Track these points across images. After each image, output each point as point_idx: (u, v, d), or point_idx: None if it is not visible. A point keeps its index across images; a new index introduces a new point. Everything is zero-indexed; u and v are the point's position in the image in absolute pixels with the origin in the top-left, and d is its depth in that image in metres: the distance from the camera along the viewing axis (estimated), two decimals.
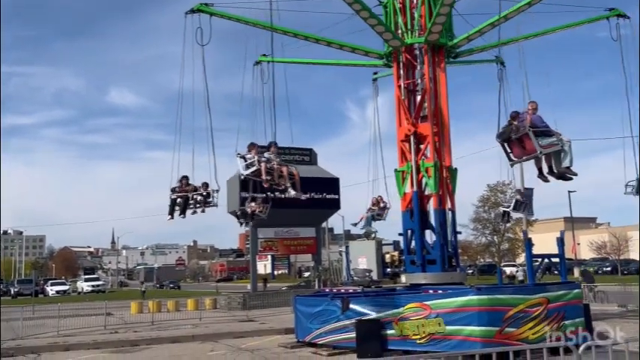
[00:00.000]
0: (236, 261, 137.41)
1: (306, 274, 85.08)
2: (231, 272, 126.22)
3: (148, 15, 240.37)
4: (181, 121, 15.60)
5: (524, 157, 12.02)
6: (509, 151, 12.17)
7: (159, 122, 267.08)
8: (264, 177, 12.88)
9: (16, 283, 62.13)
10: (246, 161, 13.10)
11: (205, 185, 15.37)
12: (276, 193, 32.71)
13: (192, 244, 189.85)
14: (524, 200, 18.69)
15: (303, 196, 15.64)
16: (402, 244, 16.69)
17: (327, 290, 19.12)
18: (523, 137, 11.70)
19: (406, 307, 13.52)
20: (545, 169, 12.03)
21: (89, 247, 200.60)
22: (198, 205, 15.22)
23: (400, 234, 16.11)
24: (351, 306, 14.46)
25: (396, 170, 16.22)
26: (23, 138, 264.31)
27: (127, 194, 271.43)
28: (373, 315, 14.00)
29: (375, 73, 19.74)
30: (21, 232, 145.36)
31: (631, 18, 16.79)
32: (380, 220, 20.07)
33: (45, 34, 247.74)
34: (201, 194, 15.12)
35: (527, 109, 11.89)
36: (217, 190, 15.29)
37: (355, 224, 22.12)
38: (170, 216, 15.12)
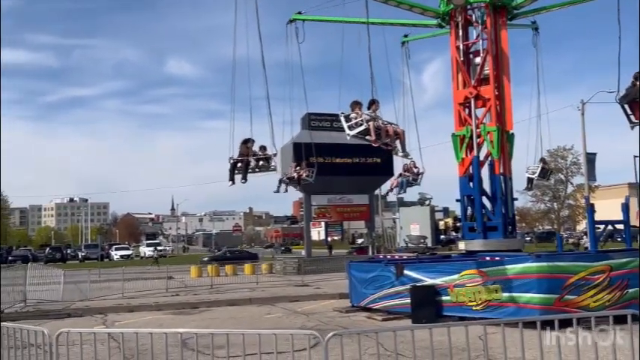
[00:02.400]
0: (290, 227, 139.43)
1: (360, 241, 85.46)
2: (286, 238, 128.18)
3: None
4: (235, 90, 15.66)
5: None
6: (629, 113, 11.69)
7: (215, 91, 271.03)
8: (372, 137, 12.70)
9: (83, 248, 65.11)
10: (349, 121, 12.85)
11: (263, 148, 15.40)
12: (327, 159, 33.70)
13: (248, 210, 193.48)
14: (549, 168, 17.93)
15: (408, 159, 15.38)
16: (459, 211, 16.33)
17: (380, 256, 19.06)
18: None
19: (462, 273, 13.36)
20: None
21: (150, 213, 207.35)
22: (257, 170, 15.26)
23: (457, 200, 15.78)
24: (406, 272, 14.39)
25: (453, 134, 15.79)
26: (86, 109, 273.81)
27: (185, 163, 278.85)
28: (428, 281, 13.90)
29: (406, 36, 19.14)
30: (86, 200, 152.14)
31: None
32: (415, 184, 19.76)
33: (104, 5, 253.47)
34: (260, 157, 15.17)
35: None
36: (275, 154, 15.31)
37: (388, 192, 21.82)
38: (231, 181, 15.16)
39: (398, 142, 13.61)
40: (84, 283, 22.50)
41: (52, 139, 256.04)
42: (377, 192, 40.87)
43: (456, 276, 13.42)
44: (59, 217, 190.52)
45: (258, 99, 16.12)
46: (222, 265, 32.85)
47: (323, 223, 43.05)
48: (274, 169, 15.73)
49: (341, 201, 35.26)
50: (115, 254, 62.53)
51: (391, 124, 13.66)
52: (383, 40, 19.03)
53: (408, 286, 14.08)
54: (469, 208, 15.58)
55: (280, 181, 18.42)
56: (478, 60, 15.60)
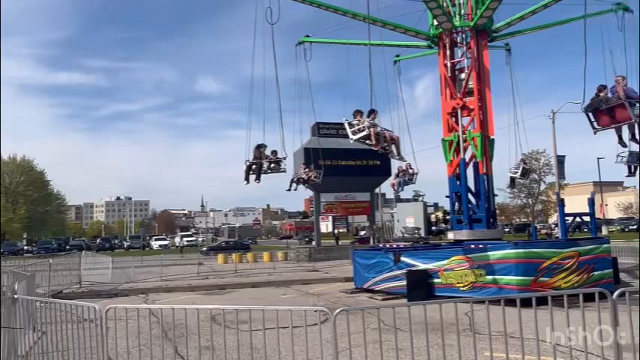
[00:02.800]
0: (302, 221, 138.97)
1: (362, 233, 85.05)
2: (299, 231, 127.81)
3: (226, 13, 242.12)
4: (252, 103, 15.66)
5: (612, 125, 11.47)
6: (592, 120, 11.57)
7: (237, 105, 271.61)
8: (373, 141, 12.55)
9: (128, 239, 65.37)
10: (352, 127, 12.71)
11: (275, 153, 15.40)
12: (334, 162, 33.64)
13: (265, 207, 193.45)
14: (528, 168, 17.76)
15: (403, 162, 15.27)
16: (448, 206, 16.24)
17: (380, 245, 18.96)
18: (615, 107, 11.10)
19: (451, 259, 13.27)
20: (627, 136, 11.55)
21: (184, 209, 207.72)
22: (270, 171, 15.23)
23: (447, 196, 15.70)
24: (402, 258, 14.34)
25: (443, 140, 15.70)
26: (130, 121, 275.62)
27: (213, 166, 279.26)
28: (422, 266, 13.83)
29: (397, 56, 19.06)
30: (130, 198, 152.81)
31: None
32: (411, 183, 19.67)
33: (146, 34, 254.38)
34: (271, 160, 15.15)
35: (618, 81, 11.29)
36: (285, 158, 15.31)
37: (395, 190, 21.82)
38: (246, 181, 15.17)
39: (394, 147, 13.53)
40: (129, 268, 22.76)
41: (102, 147, 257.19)
42: (377, 190, 40.84)
43: (445, 261, 13.33)
44: (108, 212, 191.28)
45: (272, 111, 16.37)
46: (220, 254, 32.56)
47: (330, 217, 43.15)
48: (284, 171, 15.72)
49: (346, 198, 35.23)
50: (155, 244, 62.86)
51: (388, 130, 13.56)
52: (382, 58, 19.04)
53: (404, 271, 14.02)
54: (456, 203, 15.50)
55: (292, 181, 18.35)
56: (463, 76, 15.56)
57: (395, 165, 20.54)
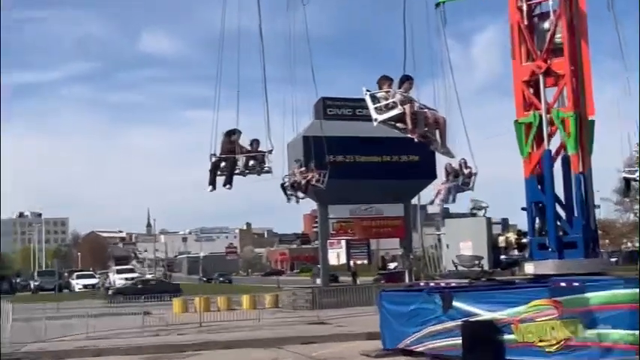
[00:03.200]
0: (301, 249, 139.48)
1: (392, 265, 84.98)
2: (295, 262, 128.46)
3: None
4: (223, 69, 15.62)
5: None
6: None
7: (202, 73, 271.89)
8: (409, 124, 12.48)
9: (37, 276, 65.56)
10: (377, 102, 12.66)
11: (256, 143, 15.38)
12: (348, 158, 33.50)
13: (245, 227, 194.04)
14: None
15: (453, 158, 15.30)
16: (523, 223, 16.20)
17: (421, 284, 18.91)
18: None
19: (530, 304, 13.19)
20: None
21: (120, 231, 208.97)
22: (247, 171, 15.28)
23: (523, 208, 15.61)
24: (455, 303, 14.31)
25: (516, 122, 15.58)
26: (39, 98, 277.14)
27: (164, 165, 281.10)
28: (485, 315, 13.77)
29: None
30: (39, 215, 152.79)
31: None
32: (467, 189, 19.73)
33: None
34: (250, 155, 15.14)
35: None
36: (271, 151, 15.30)
37: (432, 201, 21.91)
38: (211, 186, 15.18)
39: (438, 134, 13.49)
40: (38, 320, 22.70)
41: None
42: (415, 200, 40.75)
43: (522, 307, 13.27)
44: (6, 237, 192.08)
45: (252, 81, 16.22)
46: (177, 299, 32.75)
47: (343, 243, 43.01)
48: (269, 171, 15.74)
49: (367, 212, 35.25)
50: (77, 283, 63.13)
51: (430, 109, 13.53)
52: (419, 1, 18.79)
53: (458, 322, 13.99)
54: (538, 219, 15.42)
55: (283, 187, 18.27)
56: (547, 25, 15.48)
57: (441, 162, 20.50)
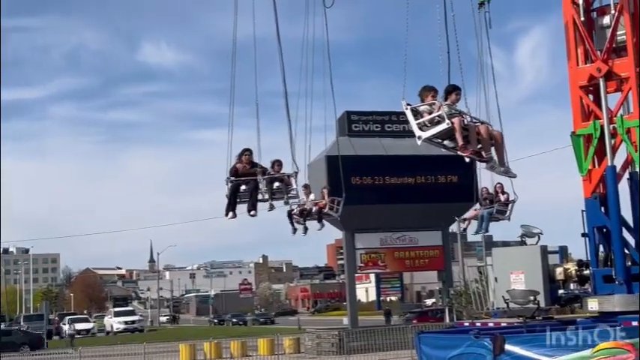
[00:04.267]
0: (324, 284, 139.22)
1: (429, 302, 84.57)
2: (319, 300, 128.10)
3: None
4: (235, 83, 15.59)
5: None
6: None
7: (208, 88, 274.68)
8: (460, 140, 12.28)
9: (23, 321, 65.63)
10: (421, 116, 12.54)
11: (277, 164, 15.36)
12: (377, 180, 33.30)
13: (261, 260, 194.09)
14: None
15: (510, 177, 15.12)
16: (583, 252, 15.94)
17: (466, 324, 18.74)
18: None
19: (597, 348, 12.81)
20: None
21: (119, 268, 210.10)
22: (274, 196, 15.16)
23: (583, 234, 15.50)
24: (508, 347, 13.82)
25: (573, 135, 15.50)
26: (26, 119, 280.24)
27: (168, 193, 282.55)
28: None
29: None
30: (27, 250, 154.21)
31: None
32: (502, 219, 19.76)
33: None
34: (274, 177, 15.06)
35: None
36: (296, 172, 15.28)
37: (464, 230, 21.83)
38: (231, 213, 15.09)
39: (494, 150, 13.26)
40: None
41: None
42: (454, 227, 40.46)
43: (587, 352, 12.91)
44: None
45: (267, 95, 16.19)
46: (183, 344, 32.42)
47: (373, 276, 42.68)
48: (295, 196, 15.76)
49: (401, 241, 34.98)
50: (69, 329, 62.93)
51: (482, 122, 13.37)
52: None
53: None
54: (602, 246, 15.40)
55: (290, 216, 18.03)
56: (607, 20, 15.46)
57: (484, 182, 20.39)
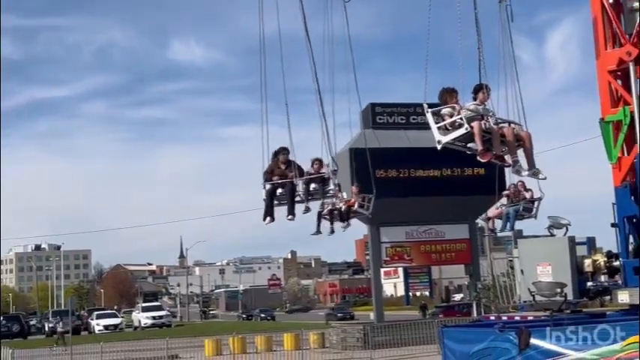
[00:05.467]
0: (353, 280, 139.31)
1: (458, 297, 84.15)
2: (348, 295, 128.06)
3: None
4: (266, 80, 15.37)
5: None
6: None
7: (238, 85, 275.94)
8: (479, 145, 12.14)
9: (51, 316, 66.01)
10: (440, 119, 12.42)
11: (317, 163, 15.15)
12: (402, 172, 32.93)
13: (289, 256, 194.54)
14: None
15: (539, 178, 14.81)
16: (613, 243, 15.60)
17: (491, 317, 18.59)
18: None
19: (627, 341, 12.52)
20: None
21: (150, 264, 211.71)
22: (310, 197, 14.92)
23: (613, 225, 15.12)
24: (534, 341, 13.53)
25: (602, 121, 15.08)
26: (56, 117, 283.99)
27: (197, 189, 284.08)
28: (571, 355, 13.05)
29: None
30: (59, 247, 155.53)
31: None
32: (528, 217, 19.51)
33: None
34: (312, 177, 14.83)
35: None
36: (335, 171, 15.09)
37: (492, 231, 21.70)
38: (269, 218, 14.87)
39: (523, 153, 13.03)
40: None
41: (9, 161, 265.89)
42: (481, 220, 40.04)
43: (616, 346, 12.61)
44: (21, 272, 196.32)
45: (292, 92, 16.04)
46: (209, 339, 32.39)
47: (401, 271, 42.38)
48: (333, 195, 15.59)
49: (427, 235, 34.58)
50: (97, 324, 63.25)
51: (510, 123, 13.16)
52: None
53: None
54: (632, 237, 14.92)
55: (319, 217, 17.65)
56: (636, 4, 15.01)
57: (513, 175, 20.07)
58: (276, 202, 14.93)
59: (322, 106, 15.54)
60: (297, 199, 14.95)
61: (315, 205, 15.62)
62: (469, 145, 12.57)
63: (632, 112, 14.66)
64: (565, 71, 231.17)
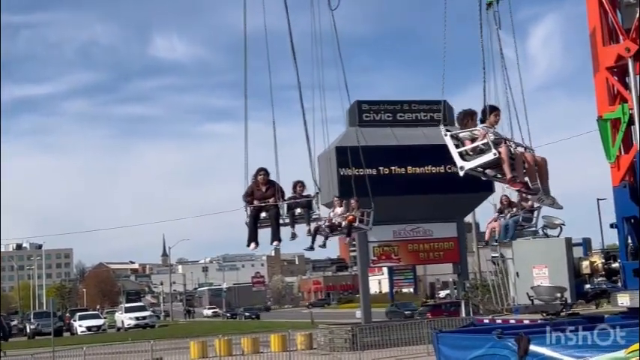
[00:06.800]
0: (336, 277, 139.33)
1: (442, 294, 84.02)
2: (331, 292, 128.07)
3: None
4: (247, 76, 14.99)
5: None
6: None
7: (221, 81, 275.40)
8: (507, 172, 11.66)
9: (33, 318, 65.28)
10: (460, 144, 11.93)
11: (300, 185, 14.89)
12: (390, 169, 32.57)
13: (273, 253, 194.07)
14: None
15: (558, 207, 14.67)
16: (611, 242, 15.25)
17: (485, 321, 18.25)
18: None
19: (630, 349, 12.08)
20: None
21: (132, 262, 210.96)
22: (296, 221, 14.63)
23: (612, 225, 14.99)
24: (534, 348, 13.09)
25: (600, 118, 14.81)
26: (37, 114, 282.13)
27: (181, 186, 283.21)
28: None
29: None
30: (40, 246, 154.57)
31: None
32: (529, 227, 19.17)
33: None
34: (297, 201, 14.54)
35: None
36: (318, 194, 14.84)
37: (485, 243, 21.45)
38: (253, 244, 14.52)
39: (538, 177, 12.65)
40: None
41: None
42: (469, 218, 39.83)
43: (620, 353, 12.19)
44: (2, 272, 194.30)
45: (278, 89, 15.69)
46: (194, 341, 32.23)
47: (385, 269, 42.18)
48: (317, 218, 15.32)
49: (415, 233, 34.32)
50: (79, 325, 62.59)
51: (526, 148, 12.78)
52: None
53: None
54: (631, 237, 14.66)
55: (315, 232, 17.20)
56: None
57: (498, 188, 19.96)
58: (259, 225, 14.57)
59: (303, 105, 15.20)
60: (281, 221, 14.64)
61: (299, 229, 15.28)
62: (488, 171, 12.27)
63: (630, 110, 14.40)
64: (548, 67, 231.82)
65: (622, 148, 14.66)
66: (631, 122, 14.39)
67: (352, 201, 18.01)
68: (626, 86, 14.63)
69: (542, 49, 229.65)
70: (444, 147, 14.29)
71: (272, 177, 14.57)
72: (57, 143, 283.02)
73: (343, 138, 31.19)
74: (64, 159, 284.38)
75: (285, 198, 14.58)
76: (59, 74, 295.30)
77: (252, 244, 14.52)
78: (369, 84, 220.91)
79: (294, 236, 14.92)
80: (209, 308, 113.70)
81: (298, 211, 14.74)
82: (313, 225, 16.43)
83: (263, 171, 14.41)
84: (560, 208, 14.72)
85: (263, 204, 14.28)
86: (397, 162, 32.34)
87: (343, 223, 17.13)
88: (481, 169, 12.20)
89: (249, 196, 14.38)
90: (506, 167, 11.63)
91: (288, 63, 15.14)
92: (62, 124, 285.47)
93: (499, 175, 12.21)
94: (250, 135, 14.56)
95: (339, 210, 17.59)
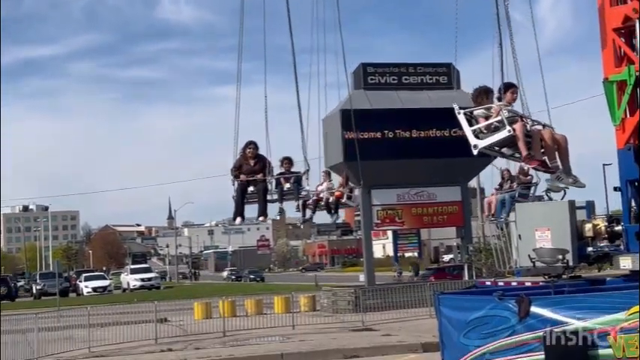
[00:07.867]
0: (341, 241, 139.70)
1: (447, 258, 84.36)
2: (336, 255, 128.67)
3: None
4: (242, 39, 15.00)
5: None
6: None
7: (228, 44, 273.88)
8: (523, 150, 11.47)
9: (39, 278, 65.77)
10: (476, 122, 11.75)
11: (287, 161, 15.10)
12: (396, 132, 32.39)
13: (278, 217, 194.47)
14: None
15: (580, 185, 14.37)
16: (616, 207, 15.29)
17: (487, 283, 18.20)
18: None
19: (631, 310, 12.12)
20: None
21: (138, 225, 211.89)
22: (285, 197, 14.79)
23: (616, 188, 14.88)
24: (534, 310, 13.16)
25: (606, 81, 14.63)
26: (43, 77, 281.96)
27: (187, 150, 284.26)
28: (573, 324, 12.66)
29: None
30: (46, 208, 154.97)
31: None
32: (525, 200, 19.41)
33: None
34: (285, 176, 14.75)
35: None
36: (307, 171, 14.84)
37: (486, 217, 21.69)
38: (239, 218, 14.65)
39: (557, 156, 12.41)
40: (31, 332, 22.27)
41: None
42: (473, 182, 39.73)
43: (620, 314, 12.22)
44: (9, 233, 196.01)
45: (280, 50, 15.70)
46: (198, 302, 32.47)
47: (390, 233, 42.26)
48: (305, 196, 15.54)
49: (419, 197, 34.25)
50: (85, 286, 63.02)
51: (544, 125, 12.59)
52: None
53: (539, 333, 12.90)
54: (634, 201, 14.64)
55: (303, 206, 17.18)
56: None
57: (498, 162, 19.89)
58: (246, 200, 14.56)
59: (295, 66, 15.59)
60: (269, 197, 14.57)
61: (288, 206, 15.34)
62: (504, 150, 12.10)
63: (637, 72, 14.16)
64: (554, 32, 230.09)
65: (627, 110, 14.51)
66: (637, 84, 14.22)
67: (341, 178, 18.09)
68: (633, 48, 14.42)
69: (550, 13, 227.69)
70: (449, 110, 14.23)
71: (262, 151, 14.56)
72: (63, 106, 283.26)
73: (348, 101, 31.06)
74: (71, 122, 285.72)
75: (274, 174, 14.53)
76: (65, 35, 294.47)
77: (239, 219, 14.62)
78: (374, 47, 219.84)
79: (281, 212, 14.94)
80: (228, 269, 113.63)
81: (287, 186, 14.70)
82: (301, 201, 16.51)
83: (252, 144, 14.36)
84: (583, 186, 14.49)
85: (251, 178, 14.20)
86: (402, 125, 32.15)
87: (331, 199, 17.17)
88: (497, 148, 12.04)
89: (237, 170, 14.28)
90: (521, 145, 11.45)
91: (297, 26, 15.16)
92: (68, 87, 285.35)
93: (516, 155, 12.05)
94: (255, 98, 14.61)
95: (325, 185, 17.63)
